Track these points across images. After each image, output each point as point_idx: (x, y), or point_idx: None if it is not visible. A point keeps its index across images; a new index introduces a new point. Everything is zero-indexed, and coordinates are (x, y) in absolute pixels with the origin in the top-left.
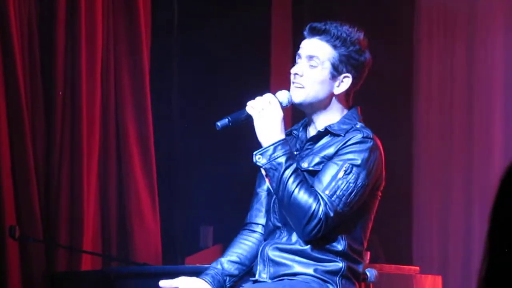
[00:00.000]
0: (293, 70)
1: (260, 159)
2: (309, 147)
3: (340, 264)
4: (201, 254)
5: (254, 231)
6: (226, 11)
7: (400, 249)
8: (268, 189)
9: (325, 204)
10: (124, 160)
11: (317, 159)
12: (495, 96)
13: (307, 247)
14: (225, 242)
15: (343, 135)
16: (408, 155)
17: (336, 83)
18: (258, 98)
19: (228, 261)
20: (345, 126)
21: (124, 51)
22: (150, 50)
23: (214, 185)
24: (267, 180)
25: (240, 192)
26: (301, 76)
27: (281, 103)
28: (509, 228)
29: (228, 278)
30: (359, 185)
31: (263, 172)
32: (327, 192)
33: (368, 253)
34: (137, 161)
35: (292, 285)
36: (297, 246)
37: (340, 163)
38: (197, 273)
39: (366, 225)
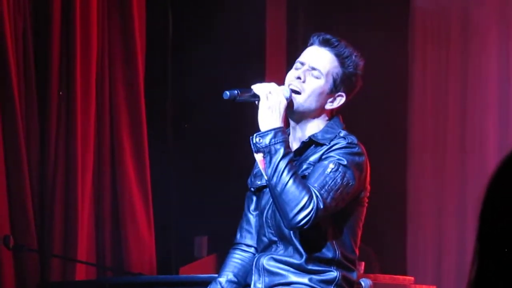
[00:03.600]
0: (294, 74)
1: (260, 141)
2: (295, 158)
3: (334, 273)
4: (195, 264)
5: (247, 251)
6: (221, 14)
7: (395, 259)
8: (257, 209)
9: (316, 196)
10: (118, 169)
11: (304, 166)
12: (488, 106)
13: (302, 260)
14: (219, 252)
15: (327, 144)
16: (402, 166)
17: (330, 99)
18: (264, 83)
19: (227, 281)
20: (328, 135)
21: (119, 59)
22: (145, 58)
23: (209, 195)
24: (261, 164)
25: (234, 202)
26: (303, 82)
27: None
28: (498, 231)
29: None
30: (345, 183)
31: (260, 156)
32: (316, 185)
33: (363, 263)
34: (131, 171)
35: None
36: (292, 260)
37: (326, 162)
38: (192, 283)
39: (356, 233)
